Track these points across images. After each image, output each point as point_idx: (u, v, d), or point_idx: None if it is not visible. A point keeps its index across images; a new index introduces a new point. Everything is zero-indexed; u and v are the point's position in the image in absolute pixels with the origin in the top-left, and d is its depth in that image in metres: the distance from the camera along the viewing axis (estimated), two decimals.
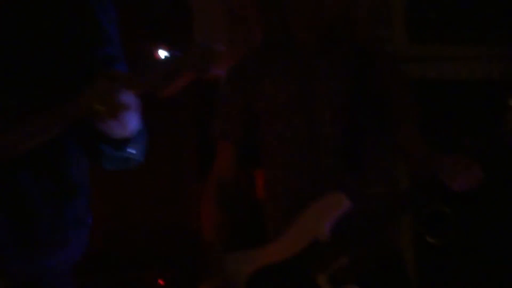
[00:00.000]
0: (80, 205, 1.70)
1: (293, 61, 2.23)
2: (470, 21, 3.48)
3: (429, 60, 3.43)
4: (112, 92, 1.45)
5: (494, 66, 3.43)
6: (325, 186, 2.12)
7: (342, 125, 2.15)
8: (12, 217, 1.60)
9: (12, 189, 1.60)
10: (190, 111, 3.56)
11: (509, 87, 2.03)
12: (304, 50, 2.21)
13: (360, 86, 2.19)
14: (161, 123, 3.29)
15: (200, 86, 2.74)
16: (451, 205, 2.07)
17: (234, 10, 3.37)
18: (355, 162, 2.14)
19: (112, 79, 1.46)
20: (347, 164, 2.13)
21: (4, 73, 1.60)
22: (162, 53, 1.55)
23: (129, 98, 1.47)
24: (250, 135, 2.27)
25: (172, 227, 3.51)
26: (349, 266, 2.06)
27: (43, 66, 1.62)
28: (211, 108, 2.34)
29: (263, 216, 2.28)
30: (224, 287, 2.14)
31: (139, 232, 3.50)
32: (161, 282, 3.38)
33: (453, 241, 2.07)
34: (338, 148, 2.14)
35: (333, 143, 2.14)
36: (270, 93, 2.22)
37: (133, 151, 1.62)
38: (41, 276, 1.65)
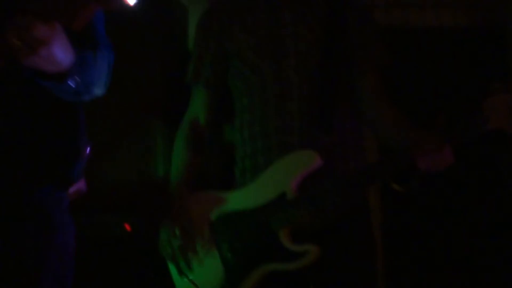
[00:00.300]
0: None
1: (263, 7, 2.23)
2: None
3: (395, 8, 3.42)
4: (25, 26, 1.44)
5: (461, 13, 3.43)
6: (290, 133, 2.12)
7: (308, 72, 2.15)
8: None
9: None
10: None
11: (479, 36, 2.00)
12: None
13: (328, 34, 2.18)
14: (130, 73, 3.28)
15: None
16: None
17: None
18: (324, 120, 2.13)
19: (26, 13, 1.45)
20: (313, 114, 2.13)
21: None
22: None
23: (46, 31, 1.45)
24: (223, 80, 2.28)
25: (139, 174, 3.52)
26: (312, 223, 2.07)
27: None
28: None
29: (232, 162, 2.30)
30: (187, 227, 2.15)
31: (107, 179, 3.50)
32: (127, 227, 3.39)
33: (419, 189, 2.07)
34: (304, 96, 2.14)
35: (298, 90, 2.14)
36: (240, 38, 2.23)
37: (73, 84, 1.62)
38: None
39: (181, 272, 2.17)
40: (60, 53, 1.52)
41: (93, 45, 1.74)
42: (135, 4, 1.43)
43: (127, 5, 1.44)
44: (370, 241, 2.19)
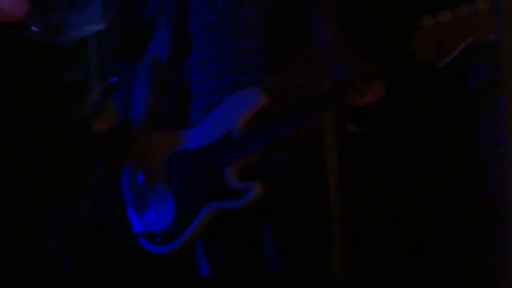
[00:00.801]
0: None
1: None
2: None
3: None
4: None
5: None
6: (242, 72, 2.11)
7: (263, 10, 2.12)
8: None
9: None
10: None
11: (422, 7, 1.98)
12: None
13: None
14: None
15: None
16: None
17: None
18: (277, 60, 2.12)
19: None
20: (267, 53, 2.11)
21: None
22: None
23: None
24: (185, 16, 2.26)
25: None
26: (261, 160, 2.07)
27: None
28: None
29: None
30: (146, 167, 2.17)
31: None
32: None
33: (373, 129, 2.07)
34: (257, 34, 2.11)
35: (251, 27, 2.12)
36: None
37: (36, 29, 1.68)
38: None
39: (138, 213, 2.20)
40: (7, 3, 1.61)
41: None
42: None
43: None
44: (324, 183, 2.19)
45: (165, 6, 2.29)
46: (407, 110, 3.25)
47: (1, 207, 1.76)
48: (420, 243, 3.24)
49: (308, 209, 2.11)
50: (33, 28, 1.68)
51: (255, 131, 2.05)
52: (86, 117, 1.88)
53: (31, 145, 1.78)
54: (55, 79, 1.80)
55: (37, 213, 1.78)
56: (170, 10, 2.28)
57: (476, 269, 3.13)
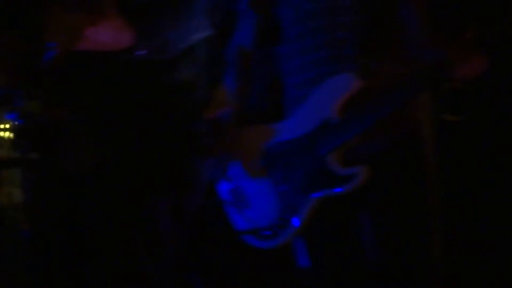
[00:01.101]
0: None
1: None
2: None
3: None
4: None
5: None
6: (341, 62, 2.10)
7: None
8: None
9: None
10: None
11: None
12: None
13: None
14: None
15: None
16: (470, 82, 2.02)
17: None
18: (372, 41, 2.11)
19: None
20: (363, 40, 2.11)
21: None
22: None
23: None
24: (273, 6, 2.26)
25: None
26: (361, 146, 2.06)
27: None
28: None
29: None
30: (241, 163, 2.20)
31: None
32: None
33: (471, 118, 2.04)
34: (355, 22, 2.11)
35: (349, 16, 2.12)
36: None
37: (141, 53, 1.83)
38: None
39: (239, 210, 2.20)
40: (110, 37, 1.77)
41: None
42: None
43: None
44: (422, 172, 2.17)
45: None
46: None
47: (118, 197, 1.84)
48: None
49: (407, 200, 2.10)
50: (139, 53, 1.80)
51: (353, 116, 2.05)
52: (195, 112, 1.94)
53: (148, 141, 1.86)
54: (166, 78, 1.88)
55: (149, 205, 1.85)
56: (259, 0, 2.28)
57: None
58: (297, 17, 2.19)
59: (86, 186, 1.84)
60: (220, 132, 2.21)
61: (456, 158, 3.20)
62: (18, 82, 1.79)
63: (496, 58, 1.94)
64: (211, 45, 1.98)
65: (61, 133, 1.82)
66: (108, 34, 1.80)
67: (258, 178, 2.20)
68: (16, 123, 1.76)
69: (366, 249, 2.14)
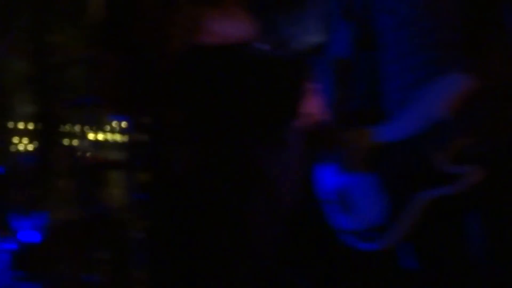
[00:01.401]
0: None
1: None
2: None
3: None
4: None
5: None
6: (442, 65, 2.08)
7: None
8: None
9: None
10: None
11: None
12: None
13: None
14: None
15: None
16: None
17: None
18: (476, 40, 2.08)
19: None
20: (469, 42, 2.08)
21: None
22: None
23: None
24: (369, 13, 2.26)
25: None
26: (471, 146, 2.02)
27: None
28: None
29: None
30: (347, 165, 2.22)
31: None
32: None
33: None
34: (456, 25, 2.09)
35: (450, 19, 2.09)
36: None
37: (263, 47, 1.82)
38: None
39: (345, 210, 2.22)
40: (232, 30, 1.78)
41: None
42: None
43: None
44: None
45: (343, 2, 2.30)
46: None
47: (220, 196, 1.86)
48: None
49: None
50: (259, 46, 1.80)
51: (462, 116, 2.01)
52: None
53: (252, 139, 1.87)
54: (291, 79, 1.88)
55: (248, 202, 1.87)
56: (350, 7, 2.29)
57: None
58: (394, 22, 2.18)
59: (191, 186, 1.86)
60: (325, 136, 2.21)
61: None
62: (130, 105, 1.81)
63: None
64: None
65: (173, 137, 1.83)
66: (231, 27, 1.80)
67: (364, 179, 2.19)
68: (127, 131, 1.78)
69: (474, 251, 2.10)
